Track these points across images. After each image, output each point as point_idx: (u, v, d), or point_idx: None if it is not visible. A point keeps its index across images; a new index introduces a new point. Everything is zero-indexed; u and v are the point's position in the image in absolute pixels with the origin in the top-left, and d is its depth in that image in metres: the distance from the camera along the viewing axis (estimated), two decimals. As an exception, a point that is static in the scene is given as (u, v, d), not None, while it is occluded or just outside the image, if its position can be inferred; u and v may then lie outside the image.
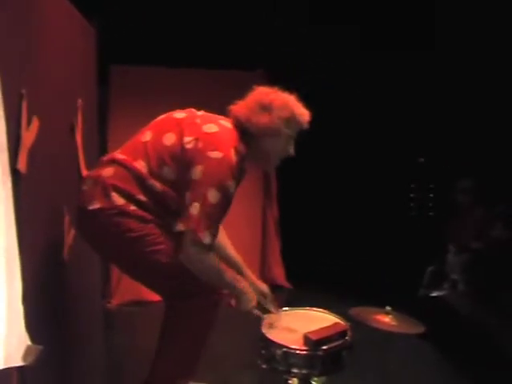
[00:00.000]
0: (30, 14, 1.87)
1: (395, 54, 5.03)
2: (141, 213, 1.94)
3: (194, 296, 1.97)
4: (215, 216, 1.91)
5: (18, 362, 1.51)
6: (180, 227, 1.89)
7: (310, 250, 5.43)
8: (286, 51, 4.99)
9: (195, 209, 1.87)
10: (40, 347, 1.58)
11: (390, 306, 2.23)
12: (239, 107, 2.09)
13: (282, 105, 2.04)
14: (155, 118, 2.17)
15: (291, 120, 2.05)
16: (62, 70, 2.27)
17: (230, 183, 1.93)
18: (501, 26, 4.32)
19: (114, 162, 2.01)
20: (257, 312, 2.15)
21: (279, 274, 5.38)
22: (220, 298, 2.05)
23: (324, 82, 5.21)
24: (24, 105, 1.72)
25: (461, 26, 4.62)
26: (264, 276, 5.10)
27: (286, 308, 2.29)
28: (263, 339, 1.98)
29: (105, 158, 2.09)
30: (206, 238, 1.88)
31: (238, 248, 2.42)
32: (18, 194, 1.57)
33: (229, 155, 1.93)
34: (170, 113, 2.14)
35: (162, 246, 1.95)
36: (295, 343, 1.93)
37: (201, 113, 2.13)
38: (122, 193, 1.94)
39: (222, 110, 2.12)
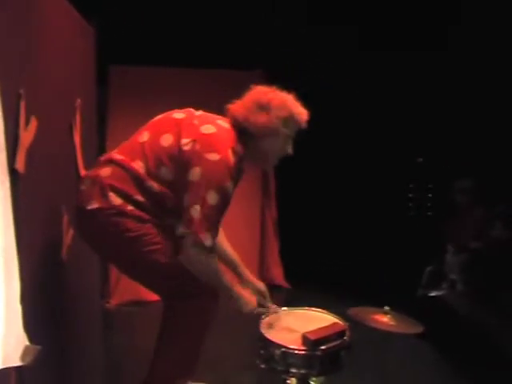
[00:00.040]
0: (30, 14, 1.87)
1: (393, 54, 5.04)
2: (138, 213, 1.94)
3: (193, 296, 1.97)
4: (215, 217, 1.92)
5: (16, 362, 1.51)
6: (182, 230, 1.89)
7: (309, 250, 5.43)
8: (285, 51, 4.99)
9: (196, 211, 1.87)
10: (38, 347, 1.57)
11: (388, 305, 2.22)
12: (237, 107, 2.08)
13: (280, 104, 2.03)
14: (154, 117, 2.17)
15: (289, 119, 2.05)
16: (60, 70, 2.27)
17: (229, 184, 1.93)
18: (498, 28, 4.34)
19: (111, 162, 2.01)
20: (258, 310, 2.15)
21: (278, 273, 5.39)
22: (219, 299, 2.05)
23: (322, 82, 5.21)
24: (22, 105, 1.71)
25: (460, 26, 4.63)
26: (262, 276, 5.10)
27: (285, 308, 2.28)
28: (262, 339, 1.97)
29: (102, 158, 2.08)
30: (208, 240, 1.88)
31: (236, 248, 2.42)
32: (16, 194, 1.56)
33: (226, 156, 1.93)
34: (169, 113, 2.14)
35: (159, 246, 1.95)
36: (294, 343, 1.93)
37: (199, 113, 2.12)
38: (120, 193, 1.94)
39: (221, 110, 2.12)
